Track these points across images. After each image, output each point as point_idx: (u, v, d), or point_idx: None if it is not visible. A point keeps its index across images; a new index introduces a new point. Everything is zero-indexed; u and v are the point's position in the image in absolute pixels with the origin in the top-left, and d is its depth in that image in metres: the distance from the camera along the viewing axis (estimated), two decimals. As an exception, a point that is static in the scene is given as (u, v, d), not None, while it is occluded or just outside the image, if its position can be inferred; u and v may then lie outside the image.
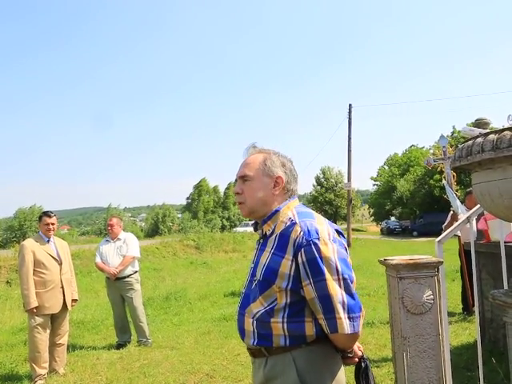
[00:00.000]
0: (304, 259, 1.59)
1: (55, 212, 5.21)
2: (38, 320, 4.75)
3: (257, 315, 1.68)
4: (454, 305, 7.15)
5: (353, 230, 32.55)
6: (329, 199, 52.61)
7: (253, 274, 1.77)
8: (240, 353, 5.24)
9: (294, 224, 1.67)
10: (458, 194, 6.45)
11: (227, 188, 63.41)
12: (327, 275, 1.56)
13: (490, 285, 4.67)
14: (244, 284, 1.85)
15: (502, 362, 3.80)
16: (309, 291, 1.59)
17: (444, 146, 6.41)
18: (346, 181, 30.50)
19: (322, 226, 1.66)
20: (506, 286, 2.86)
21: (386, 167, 53.50)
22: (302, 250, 1.59)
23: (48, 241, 5.01)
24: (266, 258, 1.71)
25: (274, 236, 1.73)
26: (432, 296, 2.94)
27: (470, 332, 5.55)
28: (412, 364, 2.94)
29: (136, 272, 6.21)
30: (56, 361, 4.98)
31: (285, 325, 1.62)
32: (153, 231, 48.77)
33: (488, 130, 2.20)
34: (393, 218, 48.79)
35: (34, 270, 4.77)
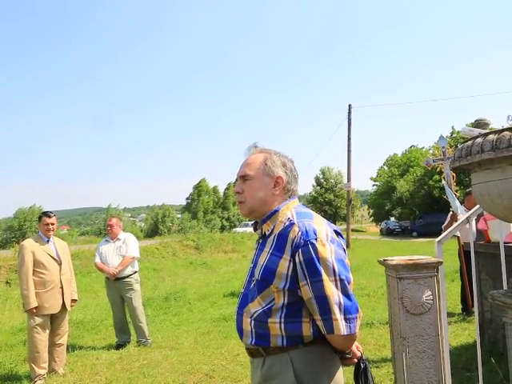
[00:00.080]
0: (301, 259, 1.59)
1: (55, 212, 5.21)
2: (38, 320, 4.75)
3: (255, 315, 1.68)
4: (453, 305, 7.15)
5: (352, 230, 32.55)
6: (328, 199, 52.61)
7: (251, 274, 1.77)
8: (239, 353, 5.24)
9: (292, 224, 1.68)
10: (458, 194, 6.46)
11: (227, 188, 63.48)
12: (324, 276, 1.56)
13: (490, 285, 4.67)
14: (243, 284, 1.85)
15: (502, 363, 3.81)
16: (306, 292, 1.59)
17: (443, 147, 6.42)
18: (345, 181, 30.51)
19: (321, 227, 1.66)
20: (505, 287, 2.86)
21: (386, 168, 53.51)
22: (300, 250, 1.60)
23: (48, 241, 5.01)
24: (264, 258, 1.71)
25: (272, 236, 1.73)
26: (431, 296, 2.94)
27: (469, 332, 5.55)
28: (411, 364, 2.94)
29: (135, 272, 6.21)
30: (55, 361, 4.98)
31: (282, 325, 1.63)
32: (152, 231, 48.81)
33: (487, 131, 2.20)
34: (392, 219, 48.78)
35: (33, 270, 4.76)
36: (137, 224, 66.10)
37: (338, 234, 1.74)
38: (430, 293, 2.94)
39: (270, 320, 1.64)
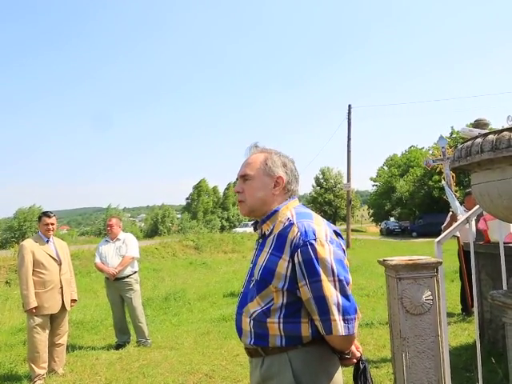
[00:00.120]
0: (300, 260, 1.59)
1: (55, 212, 5.21)
2: (38, 320, 4.75)
3: (253, 315, 1.68)
4: (453, 305, 7.15)
5: (352, 230, 32.54)
6: (328, 200, 52.61)
7: (251, 274, 1.77)
8: (239, 353, 5.24)
9: (291, 224, 1.67)
10: (458, 194, 6.46)
11: (227, 188, 63.47)
12: (323, 276, 1.56)
13: (489, 285, 4.67)
14: (243, 284, 1.85)
15: (501, 363, 3.81)
16: (305, 292, 1.59)
17: (443, 147, 6.43)
18: (345, 181, 30.50)
19: (320, 227, 1.66)
20: (505, 287, 2.86)
21: (386, 168, 53.52)
22: (299, 250, 1.60)
23: (47, 241, 5.00)
24: (263, 258, 1.71)
25: (272, 236, 1.73)
26: (431, 296, 2.94)
27: (469, 333, 5.55)
28: (411, 364, 2.95)
29: (135, 272, 6.21)
30: (55, 361, 4.98)
31: (281, 325, 1.63)
32: (152, 231, 48.80)
33: (487, 131, 2.20)
34: (392, 219, 48.82)
35: (33, 270, 4.76)
36: (136, 224, 66.04)
37: (337, 234, 1.74)
38: (429, 293, 2.94)
39: (268, 320, 1.64)
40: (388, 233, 41.68)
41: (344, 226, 33.35)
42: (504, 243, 3.29)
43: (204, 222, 55.45)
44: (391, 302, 3.16)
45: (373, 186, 55.87)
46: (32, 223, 39.38)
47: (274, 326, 1.63)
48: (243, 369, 4.72)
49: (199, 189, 62.03)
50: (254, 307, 1.68)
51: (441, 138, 6.77)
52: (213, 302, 9.48)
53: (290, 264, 1.61)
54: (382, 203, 49.32)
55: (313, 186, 55.25)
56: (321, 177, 54.73)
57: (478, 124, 5.56)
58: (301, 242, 1.60)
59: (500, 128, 1.94)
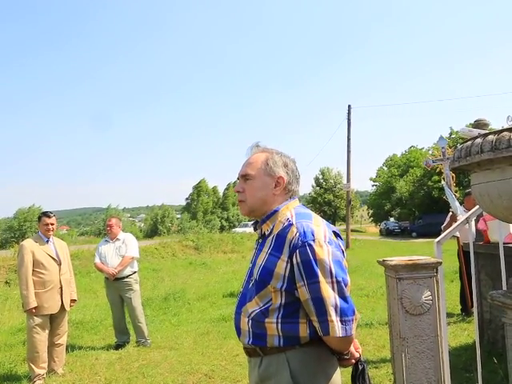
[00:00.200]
0: (298, 260, 1.59)
1: (54, 212, 5.21)
2: (37, 320, 4.75)
3: (252, 315, 1.68)
4: (452, 306, 7.15)
5: (352, 230, 32.54)
6: (328, 200, 52.62)
7: (250, 274, 1.78)
8: (239, 353, 5.24)
9: (290, 225, 1.67)
10: (457, 195, 6.46)
11: (226, 189, 63.48)
12: (321, 277, 1.56)
13: (489, 286, 4.67)
14: (242, 283, 1.85)
15: (501, 363, 3.81)
16: (303, 293, 1.59)
17: (443, 147, 6.43)
18: (345, 181, 30.50)
19: (319, 228, 1.66)
20: (504, 287, 2.86)
21: (385, 168, 53.54)
22: (297, 251, 1.59)
23: (47, 241, 5.00)
24: (262, 258, 1.71)
25: (271, 236, 1.73)
26: (431, 297, 2.94)
27: (468, 333, 5.55)
28: (411, 365, 2.95)
29: (135, 272, 6.21)
30: (55, 361, 4.98)
31: (279, 325, 1.63)
32: (152, 232, 48.81)
33: (487, 131, 2.20)
34: (392, 219, 48.83)
35: (33, 270, 4.76)
36: (136, 224, 66.10)
37: (336, 235, 1.74)
38: (429, 293, 2.94)
39: (267, 320, 1.64)
40: (388, 233, 41.69)
41: (343, 227, 33.35)
42: (504, 243, 3.29)
43: (204, 222, 55.46)
44: (391, 302, 3.16)
45: (372, 186, 55.92)
46: (32, 223, 39.41)
47: (272, 326, 1.63)
48: (243, 369, 4.72)
49: (199, 189, 62.04)
50: (253, 307, 1.69)
51: (441, 138, 6.78)
52: (212, 302, 9.49)
53: (289, 264, 1.61)
54: (381, 203, 49.33)
55: (312, 186, 55.31)
56: (320, 177, 54.74)
57: (478, 124, 5.56)
58: (299, 242, 1.60)
59: (500, 128, 1.94)
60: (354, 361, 1.78)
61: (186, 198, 63.98)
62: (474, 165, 1.99)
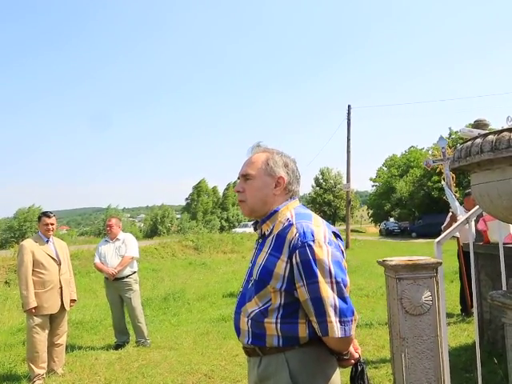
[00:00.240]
0: (298, 261, 1.59)
1: (54, 212, 5.21)
2: (37, 320, 4.75)
3: (251, 315, 1.68)
4: (452, 306, 7.15)
5: (352, 231, 32.54)
6: (328, 200, 52.62)
7: (250, 274, 1.78)
8: (238, 353, 5.24)
9: (290, 225, 1.67)
10: (457, 195, 6.46)
11: (226, 189, 63.46)
12: (320, 278, 1.56)
13: (489, 286, 4.68)
14: (242, 283, 1.85)
15: (501, 363, 3.81)
16: (302, 293, 1.59)
17: (443, 147, 6.42)
18: (344, 182, 30.51)
19: (319, 228, 1.66)
20: (504, 288, 2.86)
21: (385, 168, 53.54)
22: (297, 251, 1.59)
23: (47, 241, 5.00)
24: (262, 258, 1.71)
25: (271, 236, 1.73)
26: (431, 297, 2.94)
27: (468, 333, 5.55)
28: (410, 365, 2.95)
29: (135, 272, 6.21)
30: (54, 361, 4.98)
31: (278, 325, 1.63)
32: (152, 232, 48.78)
33: (487, 131, 2.20)
34: (392, 219, 48.84)
35: (32, 270, 4.76)
36: (136, 224, 66.01)
37: (336, 235, 1.74)
38: (429, 293, 2.94)
39: (266, 320, 1.64)
40: (387, 233, 41.70)
41: (343, 227, 33.35)
42: (503, 244, 3.29)
43: (203, 222, 55.45)
44: (391, 302, 3.16)
45: (372, 186, 55.94)
46: (32, 223, 39.41)
47: (272, 326, 1.63)
48: (242, 369, 4.72)
49: (199, 189, 62.02)
50: (252, 307, 1.69)
51: (441, 138, 6.77)
52: (212, 302, 9.49)
53: (288, 265, 1.61)
54: (381, 204, 49.34)
55: (312, 187, 55.31)
56: (320, 177, 54.74)
57: (478, 124, 5.56)
58: (299, 243, 1.60)
59: (500, 128, 1.94)
60: (353, 361, 1.78)
61: (186, 198, 63.98)
62: (474, 165, 1.99)
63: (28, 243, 4.89)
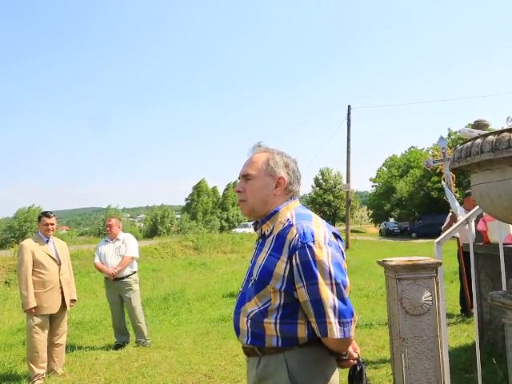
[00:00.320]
0: (298, 262, 1.59)
1: (54, 212, 5.21)
2: (37, 320, 4.75)
3: (251, 315, 1.69)
4: (452, 306, 7.15)
5: (351, 231, 32.55)
6: (327, 200, 52.64)
7: (250, 274, 1.78)
8: (238, 353, 5.24)
9: (290, 226, 1.67)
10: (457, 195, 6.46)
11: (226, 189, 63.51)
12: (320, 279, 1.56)
13: (489, 286, 4.68)
14: (242, 283, 1.85)
15: (501, 364, 3.81)
16: (302, 294, 1.59)
17: (443, 148, 6.42)
18: (344, 182, 30.50)
19: (319, 229, 1.66)
20: (504, 288, 2.86)
21: (385, 168, 53.57)
22: (297, 252, 1.59)
23: (47, 241, 5.01)
24: (262, 258, 1.71)
25: (271, 236, 1.73)
26: (431, 297, 2.95)
27: (468, 334, 5.55)
28: (410, 365, 2.95)
29: (135, 272, 6.21)
30: (54, 361, 4.98)
31: (277, 326, 1.63)
32: (151, 232, 48.80)
33: (487, 132, 2.21)
34: (392, 220, 48.86)
35: (32, 270, 4.76)
36: (136, 224, 66.06)
37: (336, 236, 1.74)
38: (429, 294, 2.94)
39: (265, 320, 1.65)
40: (387, 233, 41.71)
41: (343, 227, 33.35)
42: (503, 244, 3.29)
43: (203, 222, 55.49)
44: (390, 302, 3.16)
45: (372, 186, 55.97)
46: (33, 223, 39.44)
47: (271, 326, 1.64)
48: (242, 369, 4.72)
49: (199, 189, 62.06)
50: (252, 307, 1.69)
51: (441, 138, 6.77)
52: (212, 302, 9.49)
53: (288, 265, 1.61)
54: (381, 204, 49.38)
55: (312, 187, 55.32)
56: (320, 177, 54.75)
57: (478, 125, 5.57)
58: (299, 243, 1.60)
59: (500, 129, 1.94)
60: (352, 361, 1.78)
61: (186, 199, 64.04)
62: (474, 165, 1.99)
63: (28, 243, 4.89)
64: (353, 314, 1.61)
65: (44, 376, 4.79)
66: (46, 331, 4.85)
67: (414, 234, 35.95)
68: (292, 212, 1.75)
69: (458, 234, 6.11)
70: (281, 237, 1.68)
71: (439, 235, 3.48)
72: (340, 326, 1.56)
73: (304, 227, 1.64)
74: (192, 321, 7.68)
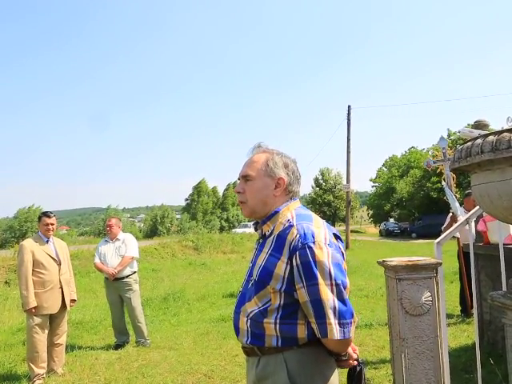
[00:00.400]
0: (298, 262, 1.59)
1: (54, 212, 5.21)
2: (37, 320, 4.75)
3: (251, 315, 1.69)
4: (452, 307, 7.15)
5: (351, 231, 32.55)
6: (327, 201, 52.62)
7: (250, 274, 1.78)
8: (238, 353, 5.24)
9: (291, 226, 1.67)
10: (458, 195, 6.46)
11: (226, 189, 63.52)
12: (320, 280, 1.56)
13: (489, 286, 4.68)
14: (242, 283, 1.85)
15: (501, 364, 3.81)
16: (302, 294, 1.59)
17: (444, 148, 6.41)
18: (344, 182, 30.50)
19: (319, 230, 1.66)
20: (504, 288, 2.86)
21: (385, 169, 53.57)
22: (297, 253, 1.59)
23: (47, 241, 5.01)
24: (262, 258, 1.71)
25: (272, 237, 1.73)
26: (430, 297, 2.94)
27: (468, 334, 5.55)
28: (410, 365, 2.95)
29: (135, 272, 6.21)
30: (54, 361, 4.98)
31: (277, 326, 1.63)
32: (151, 232, 48.80)
33: (487, 132, 2.21)
34: (392, 220, 48.86)
35: (32, 270, 4.76)
36: (136, 224, 66.07)
37: (337, 237, 1.74)
38: (429, 294, 2.94)
39: (265, 320, 1.65)
40: (387, 234, 41.70)
41: (343, 227, 33.35)
42: (504, 244, 3.29)
43: (203, 222, 55.48)
44: (390, 302, 3.16)
45: (372, 187, 55.97)
46: (33, 223, 39.45)
47: (271, 326, 1.64)
48: (242, 369, 4.72)
49: (199, 189, 62.07)
50: (252, 307, 1.69)
51: (441, 138, 6.76)
52: (212, 302, 9.49)
53: (288, 266, 1.61)
54: (381, 204, 49.38)
55: (312, 187, 55.30)
56: (320, 178, 54.74)
57: (478, 125, 5.57)
58: (299, 244, 1.60)
59: (500, 129, 1.94)
60: (351, 361, 1.78)
61: (186, 199, 64.04)
62: (475, 165, 1.99)
63: (28, 243, 4.89)
64: (353, 315, 1.61)
65: (44, 376, 4.79)
66: (46, 331, 4.85)
67: (413, 235, 35.94)
68: (292, 212, 1.75)
69: (458, 235, 6.10)
70: (281, 237, 1.68)
71: (439, 235, 3.49)
72: (340, 326, 1.56)
73: (304, 228, 1.64)
74: (192, 321, 7.68)
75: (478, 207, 3.23)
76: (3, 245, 31.10)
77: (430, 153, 40.43)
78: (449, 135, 36.59)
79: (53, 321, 4.95)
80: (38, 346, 4.74)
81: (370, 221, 59.66)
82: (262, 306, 1.65)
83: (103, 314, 7.96)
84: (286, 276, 1.61)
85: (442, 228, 6.68)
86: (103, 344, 6.27)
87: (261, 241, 1.82)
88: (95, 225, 56.02)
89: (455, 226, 3.50)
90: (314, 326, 1.59)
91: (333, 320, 1.55)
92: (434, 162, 6.62)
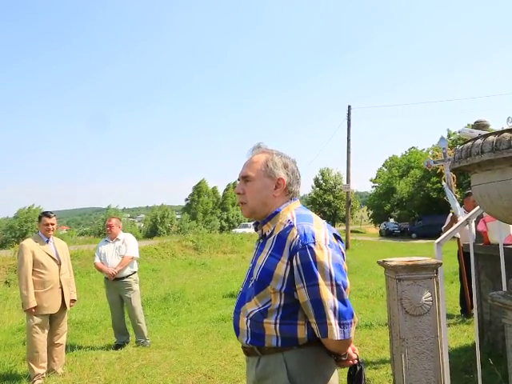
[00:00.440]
0: (298, 263, 1.59)
1: (54, 212, 5.21)
2: (37, 320, 4.75)
3: (251, 315, 1.69)
4: (452, 307, 7.15)
5: (352, 231, 32.53)
6: (327, 201, 52.62)
7: (250, 274, 1.78)
8: (238, 353, 5.24)
9: (291, 226, 1.67)
10: (458, 196, 6.46)
11: (226, 189, 63.52)
12: (320, 280, 1.56)
13: (489, 287, 4.67)
14: (242, 283, 1.85)
15: (501, 365, 3.80)
16: (302, 295, 1.59)
17: (444, 148, 6.41)
18: (344, 182, 30.48)
19: (320, 230, 1.66)
20: (504, 288, 2.86)
21: (385, 169, 53.56)
22: (298, 253, 1.59)
23: (47, 241, 5.01)
24: (263, 258, 1.71)
25: (272, 237, 1.73)
26: (431, 298, 2.94)
27: (468, 334, 5.55)
28: (410, 366, 2.95)
29: (135, 272, 6.21)
30: (54, 361, 4.98)
31: (277, 326, 1.63)
32: (151, 232, 48.78)
33: (487, 132, 2.21)
34: (392, 220, 48.86)
35: (33, 270, 4.77)
36: (136, 224, 66.04)
37: (337, 237, 1.74)
38: (429, 294, 2.94)
39: (265, 320, 1.65)
40: (387, 234, 41.70)
41: (343, 227, 33.35)
42: (504, 245, 3.29)
43: (203, 222, 55.46)
44: (391, 302, 3.16)
45: (372, 187, 55.96)
46: (33, 223, 39.44)
47: (271, 326, 1.64)
48: (242, 369, 4.72)
49: (199, 189, 62.07)
50: (252, 307, 1.69)
51: (441, 138, 6.75)
52: (212, 302, 9.49)
53: (289, 266, 1.61)
54: (381, 204, 49.36)
55: (312, 187, 55.30)
56: (320, 178, 54.74)
57: (478, 125, 5.57)
58: (300, 244, 1.60)
59: (500, 129, 1.94)
60: (351, 362, 1.78)
61: (186, 199, 64.04)
62: (475, 165, 1.99)
63: (28, 243, 4.89)
64: (353, 315, 1.61)
65: (44, 376, 4.79)
66: (46, 331, 4.85)
67: (414, 235, 35.94)
68: (293, 213, 1.75)
69: (458, 235, 6.10)
70: (281, 238, 1.68)
71: (439, 236, 3.48)
72: (340, 327, 1.56)
73: (305, 228, 1.64)
74: (192, 321, 7.68)
75: (478, 207, 3.23)
76: (3, 245, 31.11)
77: (430, 153, 40.43)
78: (449, 135, 36.60)
79: (53, 321, 4.96)
80: (38, 346, 4.74)
81: (370, 221, 59.66)
82: (262, 306, 1.65)
83: (103, 314, 7.95)
84: (287, 276, 1.61)
85: (442, 228, 6.68)
86: (103, 344, 6.27)
87: (261, 241, 1.82)
88: (95, 225, 56.00)
89: (455, 226, 3.50)
90: (314, 326, 1.59)
91: (333, 320, 1.55)
92: (435, 162, 6.62)
